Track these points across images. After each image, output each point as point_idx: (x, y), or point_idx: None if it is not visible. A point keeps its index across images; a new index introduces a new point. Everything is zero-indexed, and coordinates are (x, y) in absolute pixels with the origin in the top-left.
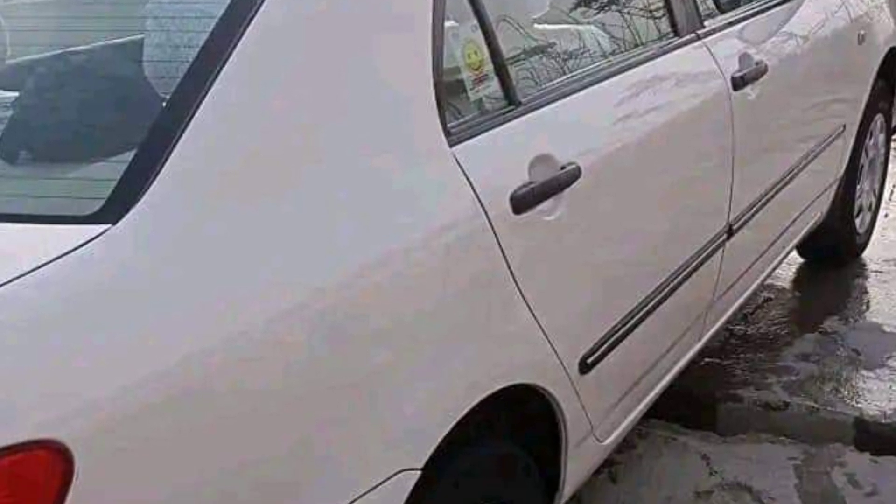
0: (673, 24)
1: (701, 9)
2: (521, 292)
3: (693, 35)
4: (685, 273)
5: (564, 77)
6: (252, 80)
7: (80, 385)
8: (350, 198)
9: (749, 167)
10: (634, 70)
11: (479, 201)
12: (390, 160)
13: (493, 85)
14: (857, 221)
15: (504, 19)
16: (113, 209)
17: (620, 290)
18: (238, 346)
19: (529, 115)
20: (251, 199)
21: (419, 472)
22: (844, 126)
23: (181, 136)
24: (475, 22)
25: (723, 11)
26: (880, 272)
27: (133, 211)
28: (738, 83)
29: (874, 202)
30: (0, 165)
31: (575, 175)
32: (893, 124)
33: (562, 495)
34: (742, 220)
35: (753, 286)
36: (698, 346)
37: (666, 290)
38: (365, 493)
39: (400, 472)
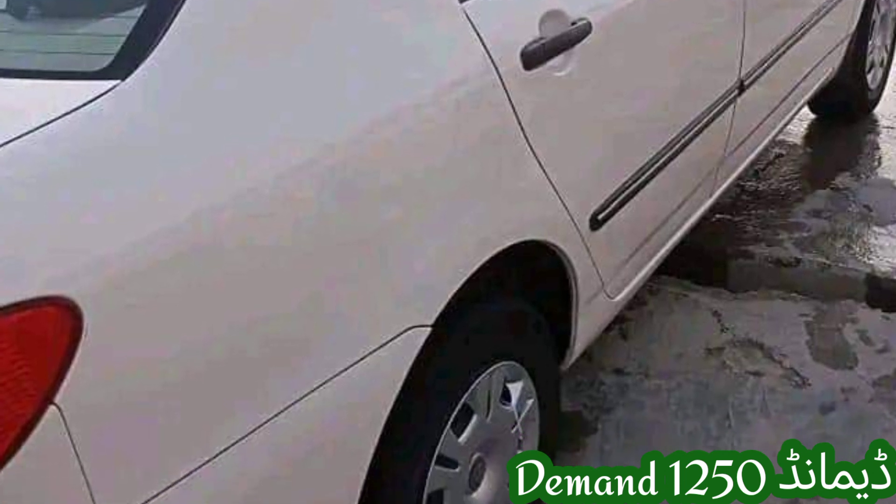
0: None
1: None
2: (531, 148)
3: None
4: (696, 129)
5: None
6: None
7: (88, 241)
8: (360, 53)
9: (760, 22)
10: None
11: (490, 57)
12: (400, 15)
13: None
14: (869, 77)
15: None
16: (122, 65)
17: (631, 147)
18: (247, 202)
19: None
20: (261, 54)
21: (429, 329)
22: None
23: None
24: None
25: None
26: (892, 128)
27: (142, 66)
28: None
29: (886, 58)
30: (9, 21)
31: (586, 31)
32: None
33: (572, 352)
34: (753, 75)
35: (765, 142)
36: (709, 202)
37: (677, 147)
38: (375, 350)
39: (410, 328)
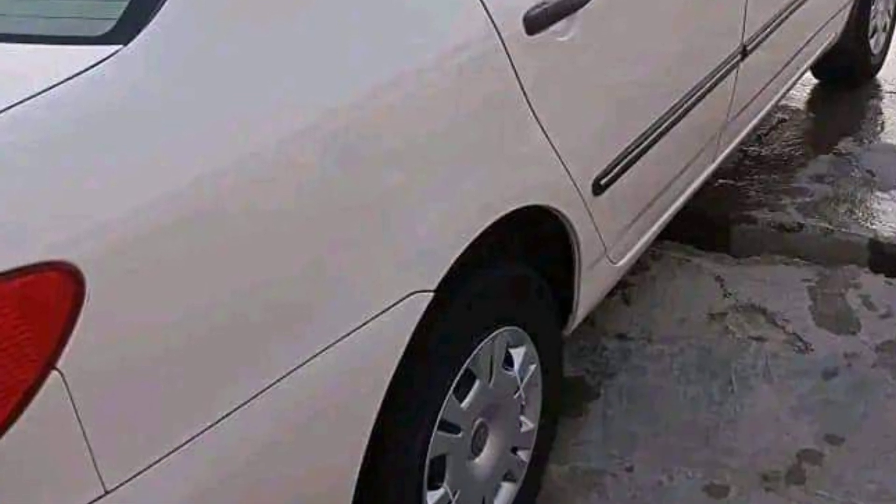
0: None
1: None
2: (534, 113)
3: None
4: (699, 94)
5: None
6: None
7: (91, 206)
8: (362, 18)
9: None
10: None
11: (492, 22)
12: None
13: None
14: (872, 42)
15: None
16: (124, 29)
17: (634, 112)
18: (250, 167)
19: None
20: (263, 19)
21: (432, 294)
22: None
23: None
24: None
25: None
26: (895, 93)
27: (144, 31)
28: None
29: (889, 23)
30: None
31: None
32: None
33: (575, 317)
34: (756, 40)
35: (767, 107)
36: (712, 167)
37: (679, 112)
38: (377, 315)
39: (413, 293)
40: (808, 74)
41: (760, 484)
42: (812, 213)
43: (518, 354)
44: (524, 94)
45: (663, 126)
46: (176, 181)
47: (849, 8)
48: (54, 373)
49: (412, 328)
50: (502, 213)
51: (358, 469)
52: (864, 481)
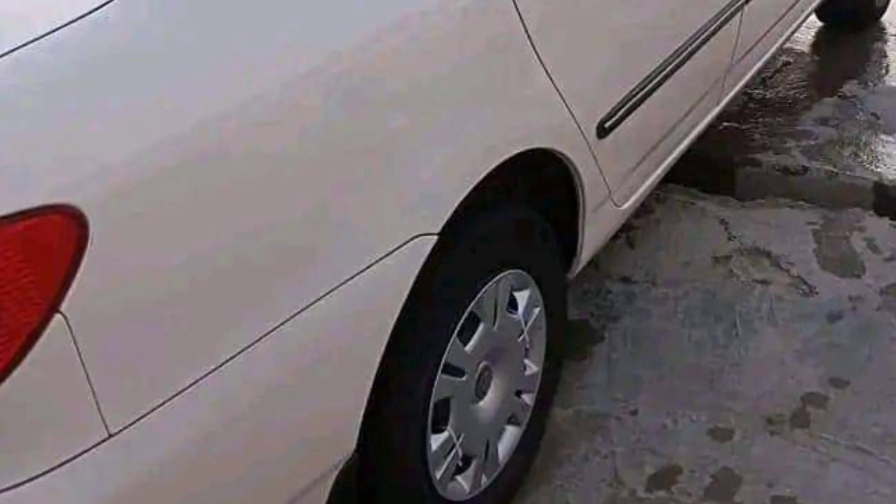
0: None
1: None
2: (538, 56)
3: None
4: (703, 37)
5: None
6: None
7: (94, 149)
8: None
9: None
10: None
11: None
12: None
13: None
14: None
15: None
16: None
17: (638, 54)
18: (253, 110)
19: None
20: None
21: (436, 237)
22: None
23: None
24: None
25: None
26: None
27: None
28: None
29: None
30: None
31: None
32: None
33: (579, 260)
34: None
35: (772, 50)
36: (716, 110)
37: (684, 54)
38: (381, 258)
39: (416, 236)
40: (813, 17)
41: (765, 427)
42: (817, 156)
43: (522, 297)
44: (528, 36)
45: (668, 68)
46: (180, 124)
47: None
48: (58, 316)
49: (416, 271)
50: (506, 156)
51: (362, 412)
52: (869, 424)
